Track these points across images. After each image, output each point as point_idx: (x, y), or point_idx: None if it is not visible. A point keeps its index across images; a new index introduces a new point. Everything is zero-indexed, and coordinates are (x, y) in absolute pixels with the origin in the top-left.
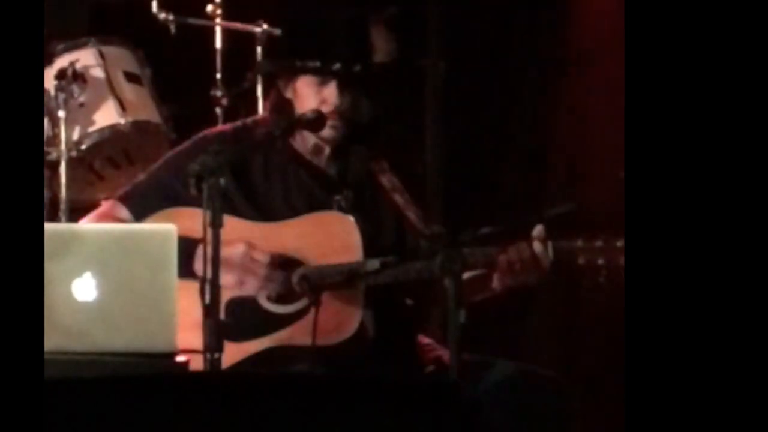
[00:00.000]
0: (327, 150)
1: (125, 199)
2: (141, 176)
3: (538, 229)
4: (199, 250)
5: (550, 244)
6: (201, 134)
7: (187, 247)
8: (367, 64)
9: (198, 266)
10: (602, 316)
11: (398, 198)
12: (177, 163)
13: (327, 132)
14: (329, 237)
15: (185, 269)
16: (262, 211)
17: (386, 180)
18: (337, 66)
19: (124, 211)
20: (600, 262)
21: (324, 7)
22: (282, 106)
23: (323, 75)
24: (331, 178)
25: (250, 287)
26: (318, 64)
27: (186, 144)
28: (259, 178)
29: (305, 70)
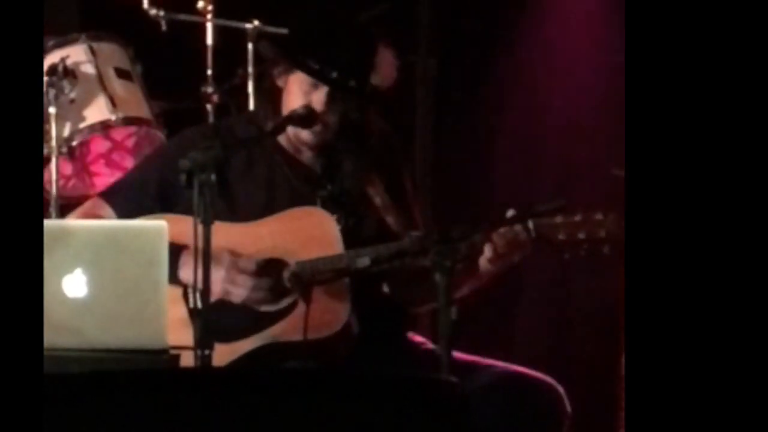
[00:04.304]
0: (306, 149)
1: (109, 197)
2: (124, 174)
3: (510, 213)
4: (184, 257)
5: (530, 221)
6: (183, 133)
7: (171, 253)
8: (364, 81)
9: (184, 274)
10: (594, 312)
11: (378, 201)
12: (161, 162)
13: (306, 135)
14: (306, 232)
15: (170, 276)
16: (244, 207)
17: (369, 182)
18: (334, 75)
19: (107, 210)
20: (581, 236)
21: (334, 13)
22: (272, 95)
23: (318, 79)
24: (315, 173)
25: (236, 297)
26: (317, 67)
27: (168, 143)
28: (241, 173)
29: (302, 68)
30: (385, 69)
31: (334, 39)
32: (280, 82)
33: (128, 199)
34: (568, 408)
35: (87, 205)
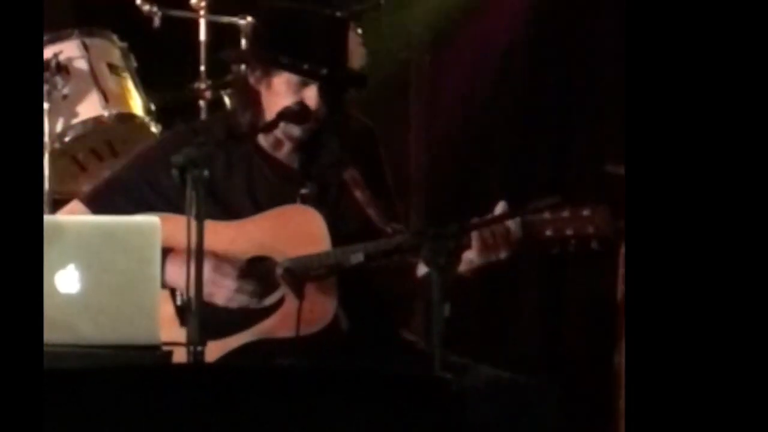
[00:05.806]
0: (288, 145)
1: (88, 202)
2: (106, 177)
3: (500, 206)
4: (169, 261)
5: (517, 218)
6: (162, 137)
7: None
8: (345, 69)
9: (168, 277)
10: (586, 309)
11: (359, 194)
12: (139, 167)
13: (296, 130)
14: (294, 230)
15: None
16: (226, 207)
17: (349, 176)
18: (324, 71)
19: (88, 215)
20: (568, 232)
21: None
22: (250, 98)
23: (309, 77)
24: (294, 171)
25: (219, 299)
26: (306, 66)
27: (147, 148)
28: (221, 174)
29: (292, 70)
30: (354, 52)
31: (309, 32)
32: (259, 87)
33: (107, 204)
34: (561, 407)
35: (67, 210)
